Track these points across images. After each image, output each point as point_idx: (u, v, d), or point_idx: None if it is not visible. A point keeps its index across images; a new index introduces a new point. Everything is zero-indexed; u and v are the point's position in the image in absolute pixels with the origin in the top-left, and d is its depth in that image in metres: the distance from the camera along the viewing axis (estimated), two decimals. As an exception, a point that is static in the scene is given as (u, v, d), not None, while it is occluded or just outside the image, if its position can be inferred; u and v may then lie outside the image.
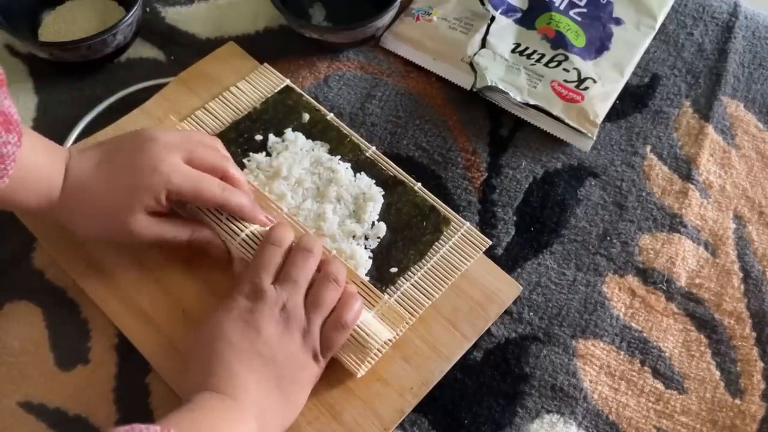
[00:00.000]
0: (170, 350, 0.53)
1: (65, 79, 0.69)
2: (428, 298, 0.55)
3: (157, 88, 0.67)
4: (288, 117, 0.64)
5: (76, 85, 0.69)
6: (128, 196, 0.51)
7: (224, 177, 0.54)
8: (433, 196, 0.60)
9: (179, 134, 0.55)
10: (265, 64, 0.68)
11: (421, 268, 0.57)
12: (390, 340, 0.53)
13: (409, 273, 0.56)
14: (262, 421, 0.46)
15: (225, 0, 0.75)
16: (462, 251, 0.58)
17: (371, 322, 0.52)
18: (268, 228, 0.55)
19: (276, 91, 0.66)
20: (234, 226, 0.54)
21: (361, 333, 0.50)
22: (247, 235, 0.54)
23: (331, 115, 0.65)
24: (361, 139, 0.63)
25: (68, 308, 0.57)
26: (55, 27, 0.71)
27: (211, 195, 0.52)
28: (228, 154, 0.57)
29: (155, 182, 0.50)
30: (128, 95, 0.67)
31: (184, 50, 0.71)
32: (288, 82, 0.67)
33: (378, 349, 0.52)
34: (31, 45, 0.68)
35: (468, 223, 0.59)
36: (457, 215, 0.59)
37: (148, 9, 0.74)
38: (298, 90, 0.66)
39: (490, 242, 0.58)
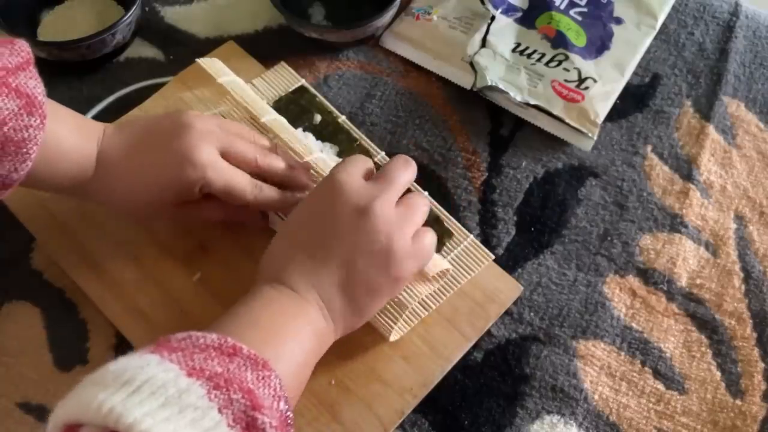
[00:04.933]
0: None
1: (64, 79, 0.69)
2: (426, 309, 0.55)
3: (157, 87, 0.67)
4: (300, 117, 0.64)
5: (75, 85, 0.69)
6: (163, 186, 0.50)
7: (259, 169, 0.53)
8: (439, 206, 0.59)
9: (217, 123, 0.53)
10: (282, 62, 0.68)
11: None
12: (429, 297, 0.53)
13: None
14: (327, 314, 0.45)
15: (224, 0, 0.75)
16: (464, 264, 0.57)
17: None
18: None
19: (290, 90, 0.66)
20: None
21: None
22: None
23: (343, 117, 0.64)
24: (371, 143, 0.63)
25: (67, 308, 0.57)
26: (54, 26, 0.71)
27: (242, 195, 0.51)
28: (266, 144, 0.55)
29: (189, 175, 0.49)
30: (127, 95, 0.67)
31: (183, 50, 0.71)
32: (303, 81, 0.66)
33: (414, 308, 0.51)
34: (30, 44, 0.68)
35: (471, 236, 0.58)
36: (461, 228, 0.58)
37: (147, 8, 0.74)
38: (312, 90, 0.66)
39: (493, 256, 0.58)
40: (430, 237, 0.48)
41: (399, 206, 0.47)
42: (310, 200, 0.48)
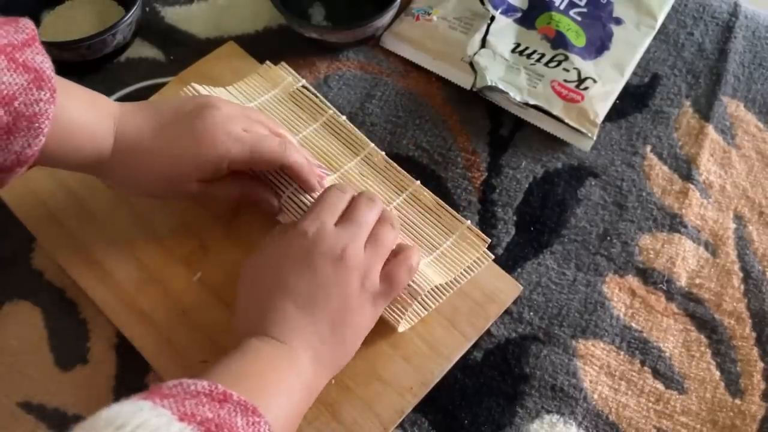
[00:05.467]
0: (170, 350, 0.53)
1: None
2: (426, 309, 0.55)
3: (157, 87, 0.67)
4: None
5: (76, 85, 0.69)
6: (188, 165, 0.51)
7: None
8: (442, 202, 0.59)
9: (240, 109, 0.54)
10: (283, 63, 0.68)
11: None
12: (438, 289, 0.54)
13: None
14: (315, 365, 0.46)
15: (225, 0, 0.75)
16: (463, 263, 0.57)
17: (421, 268, 0.52)
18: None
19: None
20: (283, 180, 0.55)
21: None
22: (294, 190, 0.55)
23: (344, 117, 0.64)
24: (370, 143, 0.63)
25: (67, 308, 0.57)
26: (55, 27, 0.71)
27: (271, 151, 0.52)
28: (287, 136, 0.57)
29: (216, 154, 0.50)
30: (128, 95, 0.67)
31: (183, 50, 0.71)
32: (304, 81, 0.66)
33: (423, 298, 0.52)
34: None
35: (469, 222, 0.58)
36: (461, 218, 0.58)
37: (147, 9, 0.74)
38: (313, 91, 0.66)
39: (493, 256, 0.57)
40: (402, 272, 0.50)
41: (368, 244, 0.50)
42: (280, 250, 0.49)
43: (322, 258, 0.47)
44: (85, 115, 0.49)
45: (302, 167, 0.54)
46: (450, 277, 0.55)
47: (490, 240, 0.57)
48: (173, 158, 0.51)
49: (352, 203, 0.52)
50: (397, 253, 0.51)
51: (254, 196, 0.55)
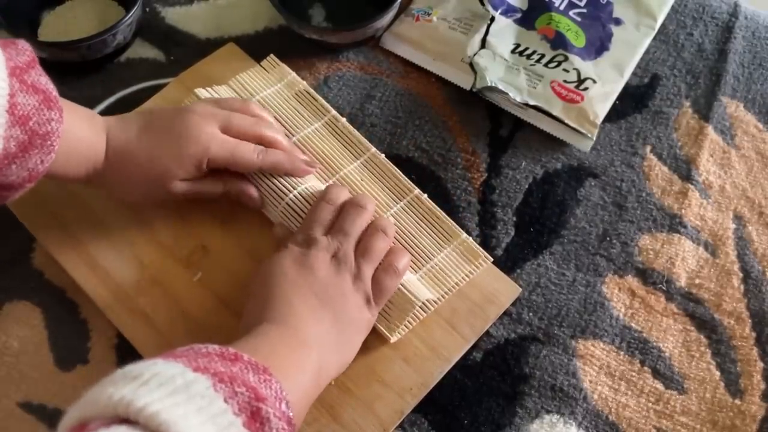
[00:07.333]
0: (169, 350, 0.53)
1: (65, 79, 0.69)
2: (425, 311, 0.55)
3: (157, 88, 0.67)
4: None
5: (76, 86, 0.69)
6: (170, 164, 0.53)
7: (260, 140, 0.57)
8: (438, 208, 0.59)
9: (213, 103, 0.57)
10: (272, 55, 0.67)
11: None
12: (431, 302, 0.54)
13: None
14: (322, 355, 0.46)
15: (225, 0, 0.75)
16: (462, 266, 0.57)
17: (412, 281, 0.53)
18: (310, 190, 0.57)
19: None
20: (278, 189, 0.56)
21: (400, 292, 0.52)
22: (291, 199, 0.56)
23: (344, 120, 0.64)
24: (370, 144, 0.63)
25: (68, 308, 0.57)
26: (55, 27, 0.71)
27: (247, 161, 0.55)
28: (263, 115, 0.60)
29: (196, 151, 0.53)
30: (128, 95, 0.67)
31: (183, 50, 0.71)
32: (293, 74, 0.66)
33: (417, 311, 0.52)
34: (30, 45, 0.68)
35: (470, 238, 0.58)
36: (459, 229, 0.58)
37: (147, 9, 0.74)
38: (314, 93, 0.66)
39: (492, 258, 0.57)
40: (388, 277, 0.51)
41: (357, 251, 0.51)
42: (280, 258, 0.50)
43: (316, 260, 0.50)
44: (84, 130, 0.52)
45: (282, 164, 0.56)
46: (442, 292, 0.55)
47: (483, 254, 0.57)
48: (156, 159, 0.53)
49: (342, 211, 0.53)
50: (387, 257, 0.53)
51: (236, 191, 0.57)
